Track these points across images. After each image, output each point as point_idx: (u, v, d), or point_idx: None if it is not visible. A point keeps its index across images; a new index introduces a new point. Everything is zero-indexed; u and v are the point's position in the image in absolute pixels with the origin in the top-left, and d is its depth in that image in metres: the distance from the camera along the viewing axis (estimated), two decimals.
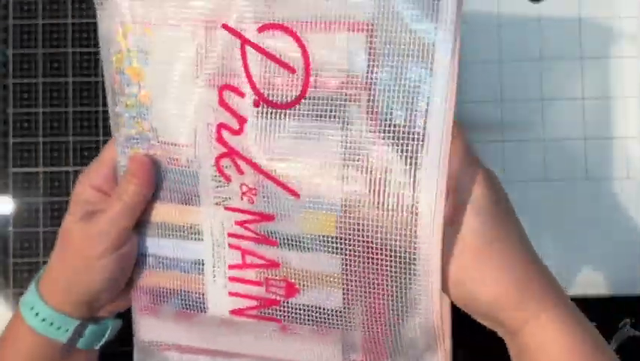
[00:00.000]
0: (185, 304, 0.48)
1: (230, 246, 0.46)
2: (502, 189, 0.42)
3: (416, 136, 0.40)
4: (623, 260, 0.60)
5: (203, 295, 0.47)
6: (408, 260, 0.41)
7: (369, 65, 0.41)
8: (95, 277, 0.46)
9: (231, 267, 0.47)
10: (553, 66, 0.61)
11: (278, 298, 0.46)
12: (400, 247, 0.41)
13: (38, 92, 0.61)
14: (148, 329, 0.49)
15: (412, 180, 0.40)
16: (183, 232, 0.47)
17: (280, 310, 0.46)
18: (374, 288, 0.43)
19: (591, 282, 0.59)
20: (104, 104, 0.61)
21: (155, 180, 0.46)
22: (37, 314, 0.46)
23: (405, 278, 0.42)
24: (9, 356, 0.47)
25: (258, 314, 0.47)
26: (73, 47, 0.61)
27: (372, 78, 0.41)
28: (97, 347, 0.50)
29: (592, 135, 0.61)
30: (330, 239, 0.43)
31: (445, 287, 0.41)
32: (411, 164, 0.40)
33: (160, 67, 0.44)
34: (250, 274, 0.46)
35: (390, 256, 0.42)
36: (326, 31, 0.41)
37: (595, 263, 0.60)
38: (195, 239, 0.47)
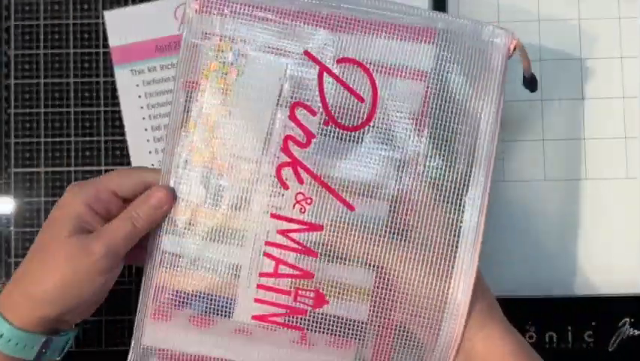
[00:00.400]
0: (211, 308, 0.49)
1: (265, 254, 0.49)
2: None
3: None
4: (622, 260, 0.60)
5: (233, 299, 0.49)
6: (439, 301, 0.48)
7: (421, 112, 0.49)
8: (83, 292, 0.47)
9: (262, 275, 0.49)
10: (552, 66, 0.61)
11: (306, 307, 0.49)
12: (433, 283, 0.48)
13: (40, 92, 0.61)
14: (154, 334, 0.50)
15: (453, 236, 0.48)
16: (226, 235, 0.49)
17: (305, 320, 0.49)
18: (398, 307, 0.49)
19: (591, 282, 0.59)
20: (106, 105, 0.61)
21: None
22: (1, 335, 0.46)
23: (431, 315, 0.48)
24: None
25: (281, 321, 0.49)
26: (74, 48, 0.61)
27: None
28: (58, 358, 0.50)
29: (592, 135, 0.61)
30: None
31: None
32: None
33: (247, 85, 0.49)
34: (282, 282, 0.49)
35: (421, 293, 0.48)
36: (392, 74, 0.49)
37: (595, 263, 0.60)
38: (237, 244, 0.49)
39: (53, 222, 0.48)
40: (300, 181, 0.49)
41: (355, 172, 0.49)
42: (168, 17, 0.60)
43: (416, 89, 0.49)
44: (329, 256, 0.49)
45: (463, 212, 0.48)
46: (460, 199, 0.49)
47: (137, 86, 0.60)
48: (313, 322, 0.49)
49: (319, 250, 0.49)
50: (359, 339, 0.49)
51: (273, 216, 0.49)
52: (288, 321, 0.49)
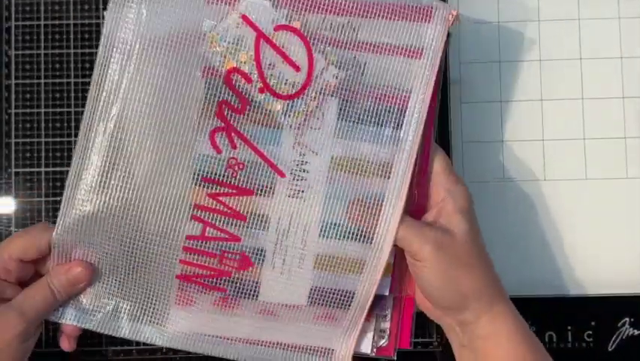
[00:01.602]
0: (237, 292, 0.52)
1: (193, 217, 0.51)
2: (473, 202, 0.52)
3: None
4: (622, 260, 0.60)
5: (258, 283, 0.52)
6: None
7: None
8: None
9: (189, 237, 0.51)
10: (552, 66, 0.61)
11: (230, 270, 0.51)
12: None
13: (40, 92, 0.61)
14: (178, 320, 0.53)
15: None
16: (251, 220, 0.51)
17: (228, 281, 0.52)
18: None
19: (591, 282, 0.59)
20: None
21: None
22: None
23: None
24: None
25: (205, 283, 0.52)
26: (75, 48, 0.61)
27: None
28: None
29: (592, 135, 0.61)
30: None
31: (425, 274, 0.50)
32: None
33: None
34: (209, 245, 0.51)
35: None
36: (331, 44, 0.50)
37: (595, 263, 0.60)
38: (261, 228, 0.51)
39: None
40: (233, 146, 0.50)
41: (303, 139, 0.50)
42: None
43: (355, 58, 0.50)
44: (258, 221, 0.51)
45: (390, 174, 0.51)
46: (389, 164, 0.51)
47: None
48: (238, 284, 0.52)
49: (248, 214, 0.51)
50: (379, 312, 0.54)
51: (204, 179, 0.50)
52: (214, 283, 0.52)
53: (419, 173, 0.51)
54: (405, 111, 0.50)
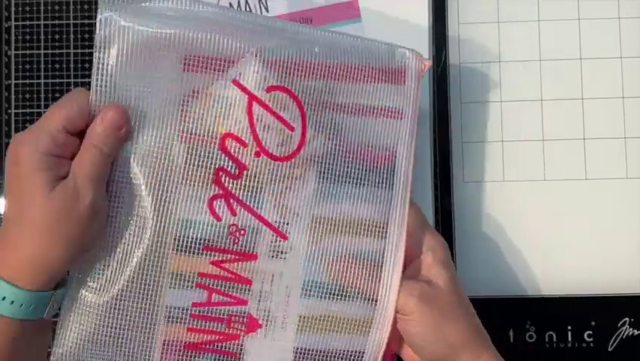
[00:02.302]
0: (219, 359, 0.51)
1: (197, 285, 0.50)
2: (449, 254, 0.52)
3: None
4: (622, 260, 0.60)
5: (242, 346, 0.51)
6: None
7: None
8: (85, 240, 0.46)
9: (195, 305, 0.50)
10: (552, 66, 0.61)
11: (238, 333, 0.51)
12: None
13: (40, 92, 0.61)
14: None
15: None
16: (233, 285, 0.50)
17: (238, 345, 0.51)
18: None
19: (591, 282, 0.59)
20: None
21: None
22: (12, 302, 0.45)
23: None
24: None
25: (216, 348, 0.51)
26: (74, 48, 0.61)
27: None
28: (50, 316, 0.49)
29: (592, 135, 0.61)
30: None
31: (412, 328, 0.50)
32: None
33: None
34: (216, 310, 0.50)
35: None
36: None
37: (594, 263, 0.60)
38: (243, 293, 0.51)
39: (25, 180, 0.45)
40: (233, 213, 0.49)
41: (286, 201, 0.50)
42: None
43: (342, 120, 0.51)
44: (263, 282, 0.50)
45: (386, 235, 0.51)
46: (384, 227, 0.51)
47: None
48: (246, 347, 0.51)
49: (253, 278, 0.50)
50: None
51: (207, 248, 0.49)
52: (223, 348, 0.51)
53: None
54: (392, 170, 0.51)
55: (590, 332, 0.60)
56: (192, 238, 0.49)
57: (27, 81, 0.61)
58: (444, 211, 0.60)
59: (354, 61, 0.50)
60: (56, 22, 0.61)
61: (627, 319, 0.60)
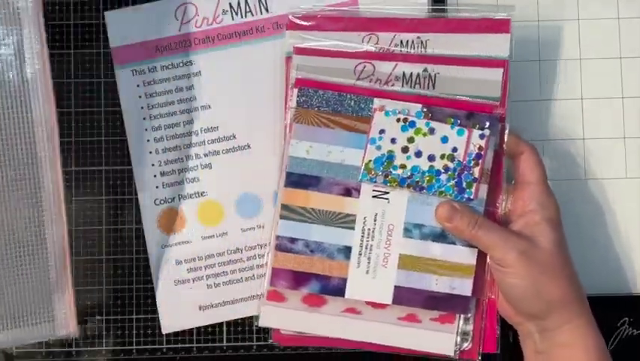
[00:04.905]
0: (325, 288, 0.54)
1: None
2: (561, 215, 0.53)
3: None
4: (622, 260, 0.60)
5: (345, 280, 0.54)
6: None
7: None
8: None
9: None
10: (552, 66, 0.61)
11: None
12: None
13: None
14: (270, 316, 0.55)
15: None
16: (338, 220, 0.54)
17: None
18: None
19: (591, 282, 0.59)
20: (106, 105, 0.61)
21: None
22: None
23: None
24: None
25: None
26: (74, 48, 0.61)
27: None
28: None
29: (592, 135, 0.61)
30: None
31: (509, 281, 0.51)
32: None
33: None
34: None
35: None
36: None
37: (595, 263, 0.60)
38: (348, 227, 0.54)
39: None
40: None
41: None
42: (169, 18, 0.60)
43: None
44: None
45: None
46: None
47: (138, 86, 0.60)
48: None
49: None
50: (462, 314, 0.54)
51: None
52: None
53: (498, 181, 0.54)
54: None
55: None
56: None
57: None
58: None
59: None
60: (56, 21, 0.61)
61: (627, 319, 0.60)
